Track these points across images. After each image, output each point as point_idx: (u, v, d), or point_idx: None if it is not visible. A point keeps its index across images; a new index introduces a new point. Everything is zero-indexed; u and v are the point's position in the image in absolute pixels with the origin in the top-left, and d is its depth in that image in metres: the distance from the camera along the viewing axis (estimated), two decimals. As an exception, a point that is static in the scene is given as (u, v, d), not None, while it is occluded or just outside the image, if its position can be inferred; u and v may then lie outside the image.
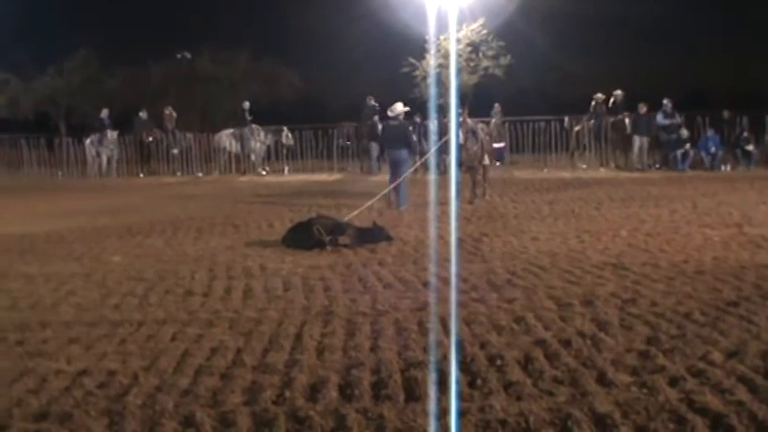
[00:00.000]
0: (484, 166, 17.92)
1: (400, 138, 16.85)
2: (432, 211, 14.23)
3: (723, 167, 26.59)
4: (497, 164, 26.84)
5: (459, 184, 16.04)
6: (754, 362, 5.71)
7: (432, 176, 17.66)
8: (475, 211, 15.65)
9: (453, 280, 8.69)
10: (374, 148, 28.55)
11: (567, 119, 29.28)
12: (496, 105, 29.94)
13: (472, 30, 28.10)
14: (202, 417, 4.93)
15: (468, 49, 28.47)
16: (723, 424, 4.62)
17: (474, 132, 17.25)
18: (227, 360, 6.14)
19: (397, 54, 29.33)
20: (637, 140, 27.53)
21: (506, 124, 29.80)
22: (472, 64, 28.42)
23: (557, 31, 36.43)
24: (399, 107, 17.20)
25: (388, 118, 17.55)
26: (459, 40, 27.38)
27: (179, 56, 43.52)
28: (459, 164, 16.51)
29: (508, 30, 28.97)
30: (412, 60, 28.67)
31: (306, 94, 43.23)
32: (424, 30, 26.70)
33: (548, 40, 36.12)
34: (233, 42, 42.18)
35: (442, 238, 11.62)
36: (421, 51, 28.55)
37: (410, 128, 18.01)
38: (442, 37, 27.34)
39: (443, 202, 15.04)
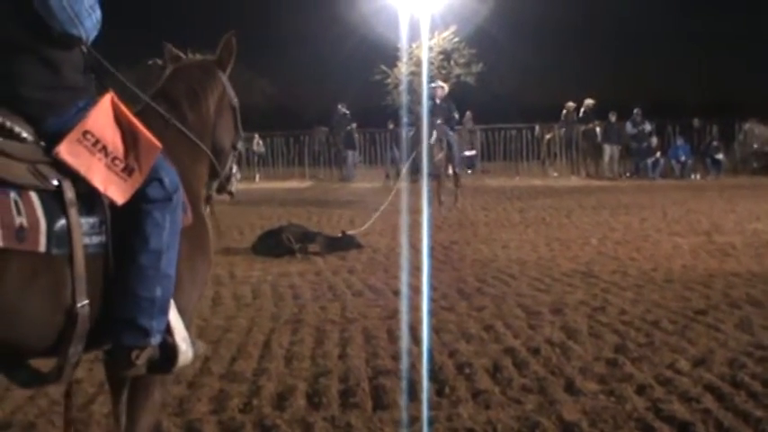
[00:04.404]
0: (456, 174, 17.98)
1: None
2: (403, 219, 14.21)
3: (693, 176, 26.84)
4: (468, 172, 26.92)
5: (429, 192, 16.07)
6: (721, 370, 5.74)
7: (403, 184, 17.66)
8: (445, 219, 15.66)
9: (424, 288, 8.69)
10: (350, 155, 28.56)
11: (537, 127, 29.43)
12: (468, 113, 30.05)
13: (444, 37, 28.22)
14: (169, 426, 4.88)
15: (441, 56, 28.56)
16: (689, 432, 4.64)
17: (440, 140, 17.26)
18: (195, 368, 6.06)
19: (370, 62, 29.40)
20: (607, 149, 27.72)
21: (478, 132, 29.88)
22: (444, 72, 28.50)
23: (528, 39, 36.68)
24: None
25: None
26: (431, 48, 27.46)
27: (150, 62, 43.30)
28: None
29: (480, 37, 29.13)
30: (384, 68, 28.71)
31: (277, 101, 43.16)
32: (396, 37, 26.78)
33: (519, 48, 36.34)
34: (205, 49, 42.02)
35: (413, 246, 11.61)
36: (393, 59, 28.62)
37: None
38: (414, 45, 27.42)
39: (415, 210, 15.02)
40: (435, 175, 17.28)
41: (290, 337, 7.01)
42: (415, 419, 4.95)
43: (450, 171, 17.91)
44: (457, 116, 18.67)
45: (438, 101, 17.82)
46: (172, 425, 4.91)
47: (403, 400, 5.28)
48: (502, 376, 5.75)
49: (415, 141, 17.04)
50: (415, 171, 17.32)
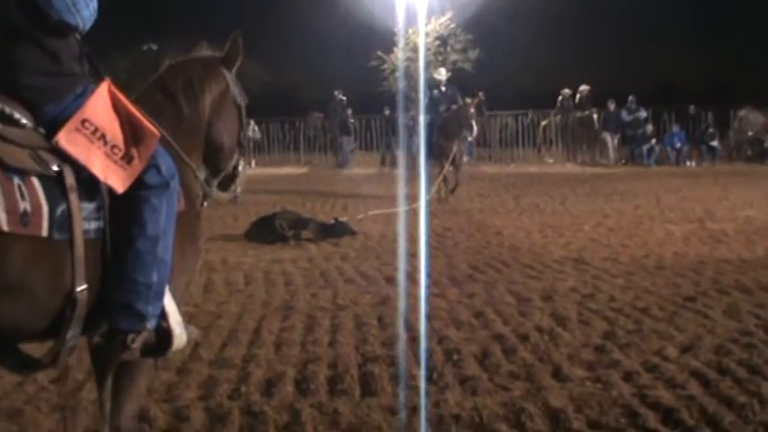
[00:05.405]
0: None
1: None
2: (400, 206, 14.21)
3: (688, 163, 26.87)
4: (466, 159, 26.88)
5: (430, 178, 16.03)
6: (708, 356, 5.76)
7: (400, 171, 17.65)
8: (440, 206, 15.66)
9: (416, 275, 8.70)
10: (346, 141, 28.56)
11: (530, 114, 29.42)
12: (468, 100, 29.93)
13: (440, 23, 28.13)
14: (156, 412, 4.89)
15: (437, 42, 28.49)
16: (673, 418, 4.65)
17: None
18: (184, 354, 6.06)
19: (366, 47, 29.34)
20: (607, 137, 27.72)
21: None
22: (441, 58, 28.42)
23: (525, 25, 36.61)
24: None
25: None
26: (427, 34, 27.39)
27: (145, 47, 43.19)
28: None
29: (476, 23, 29.06)
30: (380, 54, 28.65)
31: (273, 87, 43.04)
32: (392, 23, 26.71)
33: (516, 34, 36.28)
34: (201, 34, 41.86)
35: (408, 233, 11.60)
36: (389, 45, 28.55)
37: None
38: (410, 30, 27.37)
39: (410, 197, 14.99)
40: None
41: (280, 323, 7.03)
42: (402, 406, 4.97)
43: (465, 159, 17.91)
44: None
45: (443, 88, 17.83)
46: (159, 411, 4.91)
47: (391, 387, 5.30)
48: (490, 363, 5.78)
49: (439, 129, 16.77)
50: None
